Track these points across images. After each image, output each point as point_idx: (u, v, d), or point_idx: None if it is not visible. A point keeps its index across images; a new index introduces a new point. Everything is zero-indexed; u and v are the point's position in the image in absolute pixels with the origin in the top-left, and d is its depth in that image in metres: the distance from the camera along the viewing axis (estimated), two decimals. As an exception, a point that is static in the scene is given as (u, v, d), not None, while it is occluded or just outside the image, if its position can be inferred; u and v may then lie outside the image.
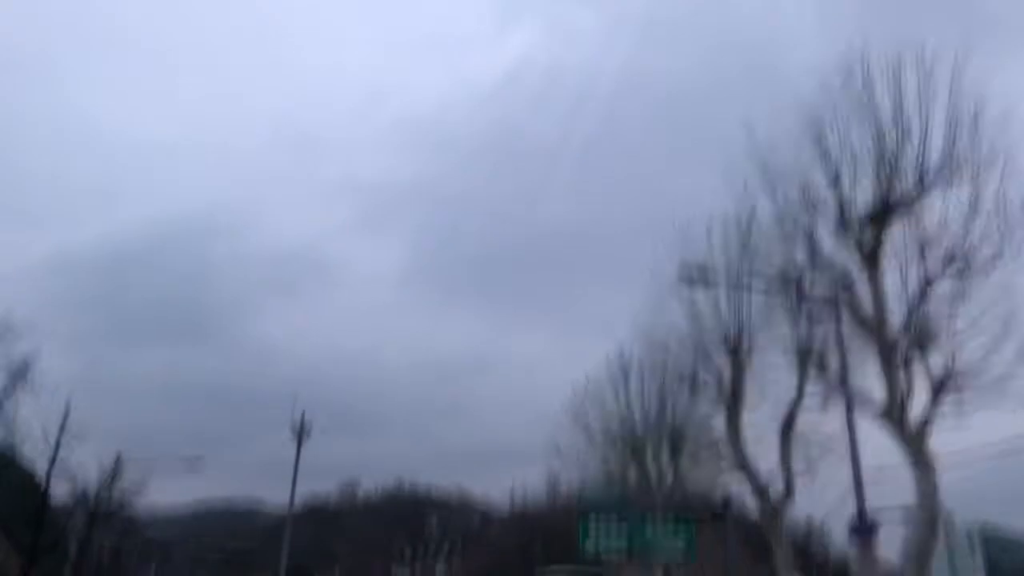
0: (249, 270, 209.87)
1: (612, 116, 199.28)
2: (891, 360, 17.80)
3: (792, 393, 21.92)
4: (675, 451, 30.09)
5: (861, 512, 18.65)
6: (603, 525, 22.19)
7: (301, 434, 47.66)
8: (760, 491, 22.60)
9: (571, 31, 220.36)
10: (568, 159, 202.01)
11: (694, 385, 26.23)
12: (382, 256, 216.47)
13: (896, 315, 18.14)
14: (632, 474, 32.62)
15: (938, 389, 17.50)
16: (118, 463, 50.49)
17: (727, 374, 23.61)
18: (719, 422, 24.63)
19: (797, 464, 22.35)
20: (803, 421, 21.97)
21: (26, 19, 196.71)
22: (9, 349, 37.74)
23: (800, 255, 20.26)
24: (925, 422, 17.49)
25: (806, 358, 21.03)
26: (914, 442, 17.27)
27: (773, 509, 22.71)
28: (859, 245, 18.72)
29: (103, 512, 50.77)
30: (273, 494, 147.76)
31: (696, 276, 21.71)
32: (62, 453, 41.96)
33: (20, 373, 38.65)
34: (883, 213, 18.24)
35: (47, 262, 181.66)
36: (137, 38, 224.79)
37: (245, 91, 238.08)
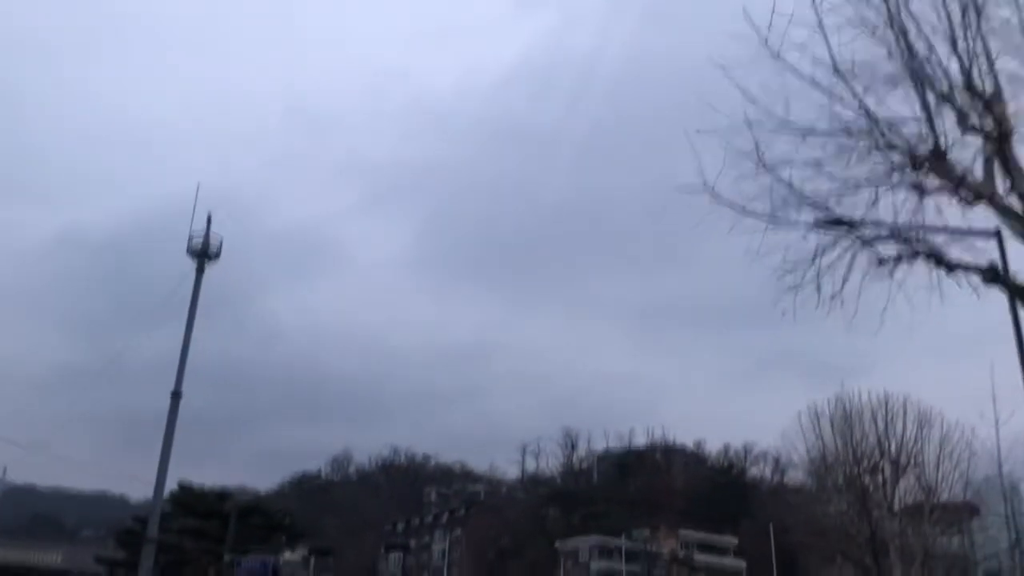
0: (256, 250, 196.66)
1: (617, 98, 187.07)
2: None
3: None
4: None
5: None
6: None
7: (205, 251, 30.77)
8: None
9: (576, 14, 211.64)
10: (575, 142, 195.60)
11: None
12: (389, 239, 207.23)
13: None
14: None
15: None
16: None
17: None
18: None
19: None
20: None
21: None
22: None
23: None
24: None
25: None
26: None
27: None
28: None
29: None
30: (267, 482, 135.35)
31: None
32: None
33: None
34: None
35: (55, 240, 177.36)
36: (147, 17, 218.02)
37: (256, 71, 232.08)
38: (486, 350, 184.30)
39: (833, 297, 11.48)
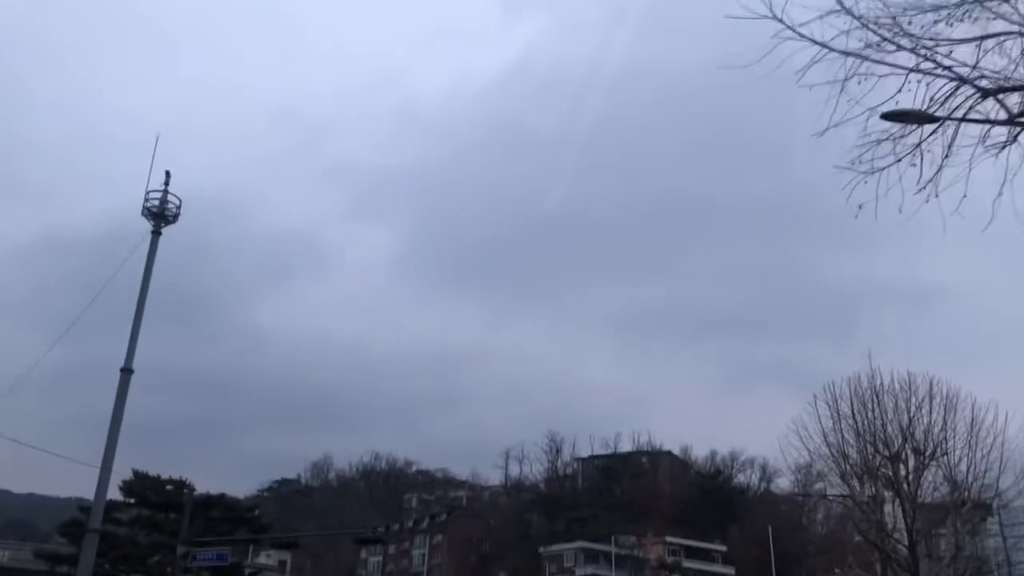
0: (243, 254, 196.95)
1: (614, 108, 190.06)
2: None
3: None
4: None
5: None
6: None
7: (162, 211, 28.19)
8: None
9: (574, 23, 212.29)
10: (564, 149, 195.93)
11: None
12: (376, 244, 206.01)
13: None
14: None
15: None
16: None
17: None
18: None
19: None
20: None
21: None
22: None
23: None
24: None
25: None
26: None
27: None
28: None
29: None
30: (245, 489, 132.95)
31: None
32: None
33: None
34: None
35: (41, 240, 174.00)
36: (141, 18, 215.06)
37: (247, 72, 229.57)
38: (472, 357, 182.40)
39: (927, 184, 8.77)
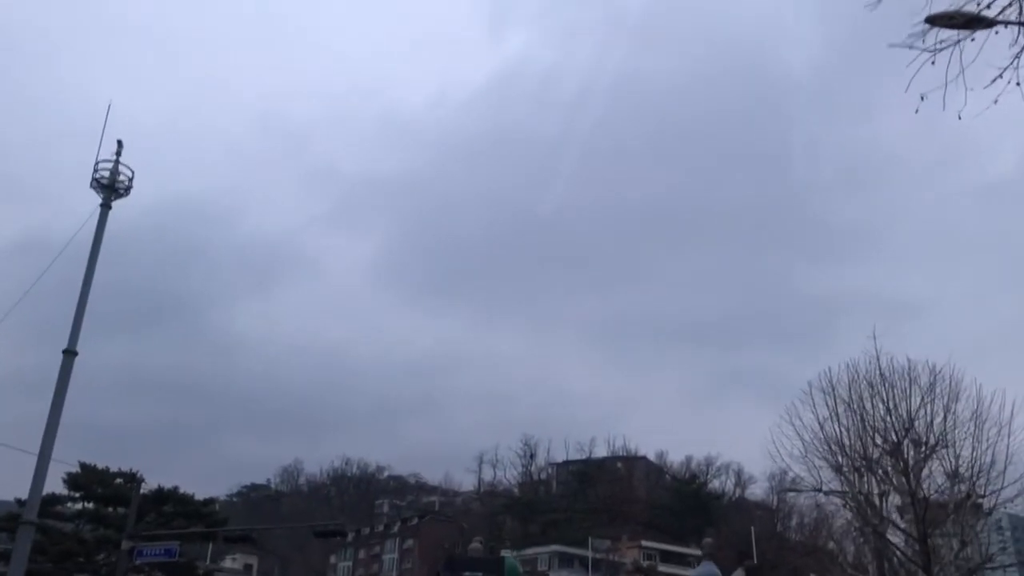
0: (224, 258, 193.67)
1: (599, 117, 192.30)
2: None
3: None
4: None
5: None
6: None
7: (112, 184, 26.24)
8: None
9: (561, 33, 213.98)
10: (551, 158, 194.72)
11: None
12: (356, 251, 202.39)
13: None
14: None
15: None
16: None
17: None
18: None
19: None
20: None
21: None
22: None
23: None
24: None
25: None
26: None
27: None
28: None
29: None
30: (214, 493, 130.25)
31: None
32: None
33: None
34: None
35: (21, 241, 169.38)
36: (132, 20, 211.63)
37: (233, 78, 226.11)
38: (450, 363, 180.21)
39: (1006, 69, 7.07)
